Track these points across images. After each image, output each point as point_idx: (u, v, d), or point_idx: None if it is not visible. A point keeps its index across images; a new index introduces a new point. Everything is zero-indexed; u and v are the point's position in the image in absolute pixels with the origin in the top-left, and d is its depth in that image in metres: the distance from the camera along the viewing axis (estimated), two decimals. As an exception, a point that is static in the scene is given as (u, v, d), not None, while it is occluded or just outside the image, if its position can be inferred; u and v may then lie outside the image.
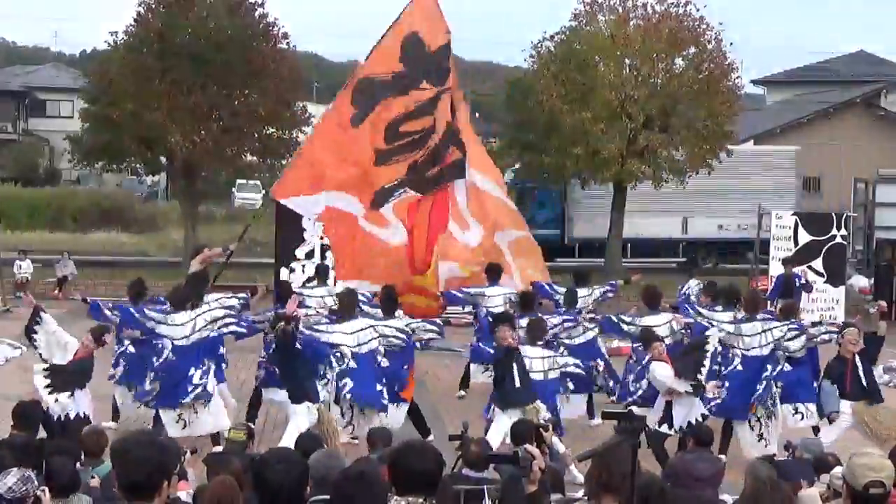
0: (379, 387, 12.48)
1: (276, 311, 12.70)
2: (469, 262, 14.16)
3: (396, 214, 13.46)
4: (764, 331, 12.71)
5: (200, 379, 12.14)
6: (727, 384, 12.68)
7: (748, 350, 12.69)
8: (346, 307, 12.85)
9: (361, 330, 12.53)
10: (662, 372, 12.03)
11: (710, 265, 33.64)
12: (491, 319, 13.50)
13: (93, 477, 8.16)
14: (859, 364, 12.33)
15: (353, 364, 12.34)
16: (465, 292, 15.25)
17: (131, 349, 13.79)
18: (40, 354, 12.32)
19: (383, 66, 13.39)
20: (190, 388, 12.09)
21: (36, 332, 12.39)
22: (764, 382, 12.50)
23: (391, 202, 13.52)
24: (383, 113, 13.39)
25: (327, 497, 4.96)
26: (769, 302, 21.89)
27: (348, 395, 12.36)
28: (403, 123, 13.43)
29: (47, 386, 11.96)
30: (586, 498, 5.22)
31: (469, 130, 13.96)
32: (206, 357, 12.32)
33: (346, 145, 13.47)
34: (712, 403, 12.60)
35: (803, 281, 21.71)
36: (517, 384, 11.76)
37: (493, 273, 15.26)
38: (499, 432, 11.45)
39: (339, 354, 12.35)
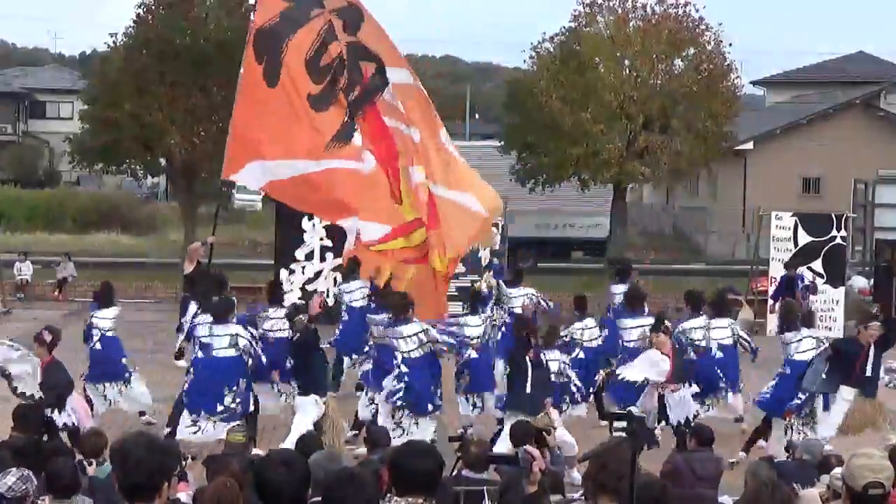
0: (432, 390, 12.47)
1: (296, 305, 12.74)
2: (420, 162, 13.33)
3: (364, 144, 12.87)
4: (805, 337, 12.94)
5: (233, 402, 12.21)
6: (776, 381, 13.00)
7: (793, 355, 12.90)
8: (399, 310, 12.53)
9: (415, 334, 12.40)
10: (646, 356, 12.19)
11: (528, 264, 33.89)
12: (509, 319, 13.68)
13: (90, 464, 8.18)
14: (871, 355, 12.51)
15: (404, 369, 12.29)
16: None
17: (98, 346, 13.80)
18: (32, 396, 11.57)
19: (269, 11, 12.89)
20: (220, 409, 12.18)
21: (12, 378, 11.69)
22: (807, 394, 12.63)
23: (356, 130, 12.88)
24: (293, 55, 12.75)
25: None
26: (773, 301, 21.96)
27: (399, 402, 12.33)
28: (321, 57, 12.82)
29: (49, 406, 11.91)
30: (584, 498, 5.22)
31: (381, 37, 13.17)
32: (240, 377, 12.34)
33: (270, 106, 12.81)
34: (759, 396, 13.15)
35: (807, 283, 21.72)
36: (528, 390, 11.65)
37: (515, 277, 16.27)
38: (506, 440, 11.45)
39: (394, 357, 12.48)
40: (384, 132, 12.61)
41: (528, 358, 11.76)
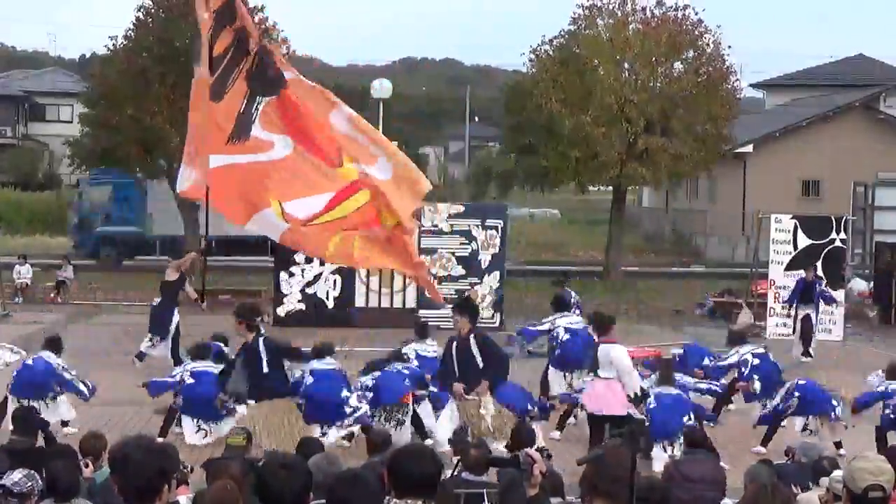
0: None
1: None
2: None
3: (272, 130, 12.61)
4: None
5: (357, 401, 12.93)
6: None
7: None
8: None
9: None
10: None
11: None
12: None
13: (87, 465, 8.19)
14: None
15: None
16: (538, 329, 16.37)
17: (29, 362, 13.57)
18: None
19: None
20: (349, 410, 12.89)
21: None
22: None
23: (256, 120, 12.65)
24: (203, 43, 12.70)
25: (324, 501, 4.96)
26: (788, 305, 21.86)
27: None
28: (215, 46, 12.69)
29: None
30: (581, 500, 5.22)
31: (251, 28, 13.09)
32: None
33: (194, 103, 12.74)
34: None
35: (823, 288, 21.63)
36: (457, 372, 12.75)
37: (560, 303, 16.69)
38: (447, 417, 12.75)
39: None
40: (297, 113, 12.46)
41: (455, 343, 12.87)
